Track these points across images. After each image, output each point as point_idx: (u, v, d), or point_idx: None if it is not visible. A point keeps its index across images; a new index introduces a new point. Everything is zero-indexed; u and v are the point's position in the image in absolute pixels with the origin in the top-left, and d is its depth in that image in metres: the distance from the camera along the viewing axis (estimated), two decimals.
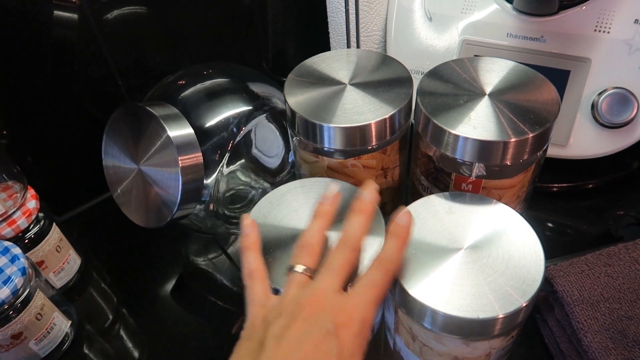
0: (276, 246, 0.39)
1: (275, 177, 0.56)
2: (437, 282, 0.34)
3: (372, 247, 0.38)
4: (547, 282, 0.43)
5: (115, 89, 0.60)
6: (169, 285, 0.57)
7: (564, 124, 0.54)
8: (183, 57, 0.64)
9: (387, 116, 0.41)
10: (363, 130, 0.41)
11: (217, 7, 0.64)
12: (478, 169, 0.40)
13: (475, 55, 0.56)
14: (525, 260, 0.35)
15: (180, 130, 0.45)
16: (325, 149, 0.43)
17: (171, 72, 0.53)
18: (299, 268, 0.33)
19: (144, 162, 0.46)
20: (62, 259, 0.53)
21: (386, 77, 0.45)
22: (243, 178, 0.54)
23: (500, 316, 0.32)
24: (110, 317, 0.54)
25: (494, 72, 0.43)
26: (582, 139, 0.54)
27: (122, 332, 0.52)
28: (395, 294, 0.36)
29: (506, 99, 0.40)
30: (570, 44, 0.53)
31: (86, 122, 0.60)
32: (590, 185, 0.58)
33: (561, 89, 0.54)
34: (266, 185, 0.56)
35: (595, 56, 0.52)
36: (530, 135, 0.37)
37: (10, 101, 0.55)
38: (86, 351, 0.50)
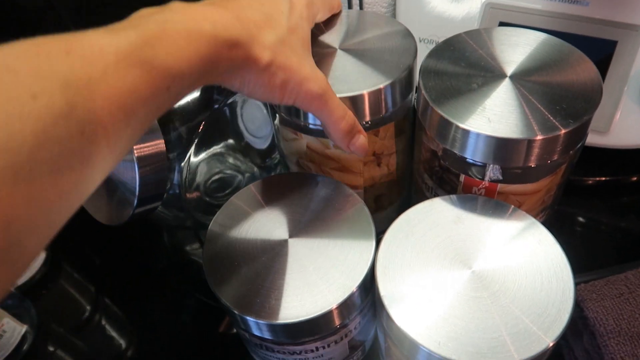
0: (243, 260, 0.32)
1: (265, 159, 0.50)
2: (437, 314, 0.27)
3: (362, 263, 0.31)
4: (576, 304, 0.35)
5: None
6: (148, 279, 0.52)
7: (606, 106, 0.45)
8: None
9: (380, 87, 0.33)
10: (351, 102, 0.33)
11: None
12: (493, 172, 0.32)
13: (500, 23, 0.47)
14: (550, 287, 0.28)
15: None
16: (310, 125, 0.36)
17: None
18: None
19: None
20: None
21: (385, 43, 0.37)
22: (230, 160, 0.48)
23: None
24: (86, 312, 0.49)
25: (517, 47, 0.34)
26: (627, 125, 0.45)
27: (97, 329, 0.48)
28: (383, 322, 0.29)
29: (532, 82, 0.32)
30: (619, 8, 0.43)
31: None
32: (634, 178, 0.49)
33: (605, 64, 0.44)
34: (255, 169, 0.49)
35: None
36: (563, 131, 0.29)
37: None
38: (52, 351, 0.46)
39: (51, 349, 0.46)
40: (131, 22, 0.22)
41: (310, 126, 0.36)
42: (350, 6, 0.53)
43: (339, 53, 0.36)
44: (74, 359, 0.46)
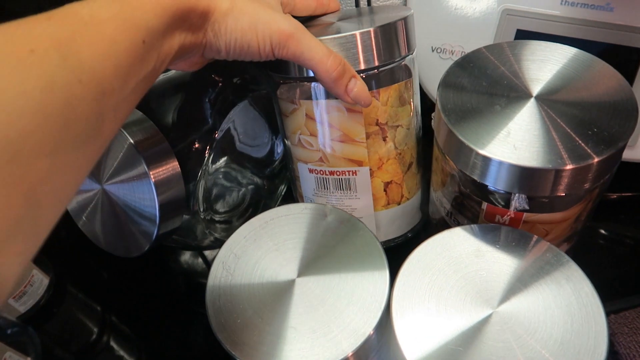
0: (248, 304, 0.30)
1: (265, 169, 0.48)
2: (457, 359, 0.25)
3: (375, 305, 0.29)
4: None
5: None
6: (155, 298, 0.50)
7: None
8: None
9: (370, 29, 0.33)
10: (342, 44, 0.33)
11: None
12: (518, 202, 0.29)
13: (517, 30, 0.44)
14: (581, 329, 0.26)
15: (146, 134, 0.37)
16: (304, 79, 0.35)
17: None
18: None
19: (108, 179, 0.38)
20: (22, 283, 0.46)
21: (381, 11, 0.39)
22: (231, 174, 0.46)
23: None
24: (92, 335, 0.48)
25: (543, 64, 0.32)
26: None
27: (107, 350, 0.47)
28: None
29: (561, 102, 0.29)
30: None
31: None
32: None
33: (632, 73, 0.42)
34: (256, 180, 0.47)
35: None
36: (595, 160, 0.26)
37: None
38: None
39: None
40: None
41: (305, 81, 0.35)
42: (357, 5, 0.51)
43: (338, 24, 0.36)
44: None
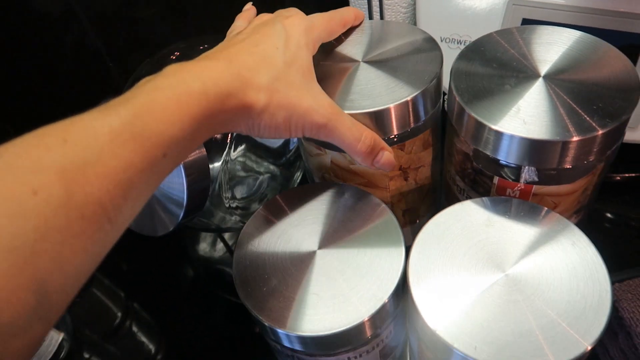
0: (273, 273, 0.32)
1: (281, 157, 0.50)
2: (470, 318, 0.27)
3: (392, 274, 0.31)
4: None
5: (107, 75, 0.54)
6: (178, 285, 0.53)
7: None
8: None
9: (407, 99, 0.33)
10: (376, 117, 0.33)
11: None
12: (528, 174, 0.31)
13: (523, 20, 0.46)
14: (586, 290, 0.27)
15: None
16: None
17: None
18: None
19: None
20: None
21: (409, 52, 0.36)
22: (247, 164, 0.48)
23: None
24: (116, 319, 0.50)
25: (550, 46, 0.34)
26: None
27: (130, 335, 0.49)
28: (417, 329, 0.29)
29: (567, 81, 0.31)
30: None
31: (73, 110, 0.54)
32: None
33: (634, 56, 0.44)
34: (272, 168, 0.49)
35: None
36: (600, 132, 0.28)
37: (14, 103, 0.50)
38: (87, 358, 0.47)
39: (86, 355, 0.47)
40: (125, 96, 0.23)
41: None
42: (370, 16, 0.53)
43: (362, 66, 0.36)
44: None
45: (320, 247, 0.33)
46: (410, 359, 0.40)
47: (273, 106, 0.28)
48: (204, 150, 0.40)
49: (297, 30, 0.31)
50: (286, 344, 0.31)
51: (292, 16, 0.32)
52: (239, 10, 0.38)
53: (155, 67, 0.44)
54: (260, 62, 0.28)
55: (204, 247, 0.56)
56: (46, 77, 0.52)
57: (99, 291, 0.53)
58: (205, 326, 0.48)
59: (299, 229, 0.34)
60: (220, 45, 0.31)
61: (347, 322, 0.29)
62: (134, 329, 0.50)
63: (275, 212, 0.36)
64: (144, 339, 0.49)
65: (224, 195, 0.44)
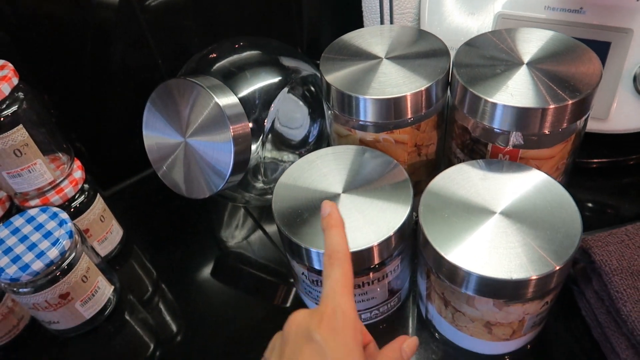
0: (305, 209, 0.40)
1: (301, 148, 0.56)
2: (471, 245, 0.35)
3: (400, 215, 0.38)
4: (585, 253, 0.43)
5: (155, 71, 0.62)
6: (207, 259, 0.58)
7: (604, 97, 0.53)
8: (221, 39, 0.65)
9: (423, 89, 0.41)
10: (398, 102, 0.41)
11: None
12: (515, 138, 0.39)
13: None
14: (561, 225, 0.35)
15: (227, 100, 0.46)
16: (360, 122, 0.44)
17: None
18: None
19: (192, 134, 0.47)
20: (105, 229, 0.55)
21: (423, 51, 0.45)
22: (271, 152, 0.54)
23: (534, 278, 0.33)
24: (150, 288, 0.56)
25: (532, 42, 0.43)
26: (623, 113, 0.53)
27: (161, 304, 0.54)
28: (428, 258, 0.37)
29: (545, 67, 0.40)
30: (611, 15, 0.51)
31: (128, 103, 0.61)
32: (632, 162, 0.57)
33: (601, 62, 0.53)
34: (293, 157, 0.55)
35: (637, 26, 0.50)
36: (570, 102, 0.37)
37: (58, 83, 0.57)
38: (127, 317, 0.52)
39: (127, 312, 0.53)
40: None
41: (361, 123, 0.44)
42: (382, 20, 0.62)
43: (385, 62, 0.44)
44: (144, 324, 0.52)
45: (344, 192, 0.41)
46: (418, 301, 0.47)
47: None
48: (248, 126, 0.46)
49: (335, 340, 0.28)
50: (316, 265, 0.38)
51: (325, 313, 0.29)
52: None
53: (198, 64, 0.52)
54: None
55: (233, 222, 0.62)
56: (105, 70, 0.59)
57: (137, 263, 0.59)
58: (233, 298, 0.54)
59: (327, 178, 0.42)
60: None
61: (361, 244, 0.37)
62: (166, 298, 0.54)
63: (307, 165, 0.43)
64: (176, 306, 0.54)
65: (254, 177, 0.51)
